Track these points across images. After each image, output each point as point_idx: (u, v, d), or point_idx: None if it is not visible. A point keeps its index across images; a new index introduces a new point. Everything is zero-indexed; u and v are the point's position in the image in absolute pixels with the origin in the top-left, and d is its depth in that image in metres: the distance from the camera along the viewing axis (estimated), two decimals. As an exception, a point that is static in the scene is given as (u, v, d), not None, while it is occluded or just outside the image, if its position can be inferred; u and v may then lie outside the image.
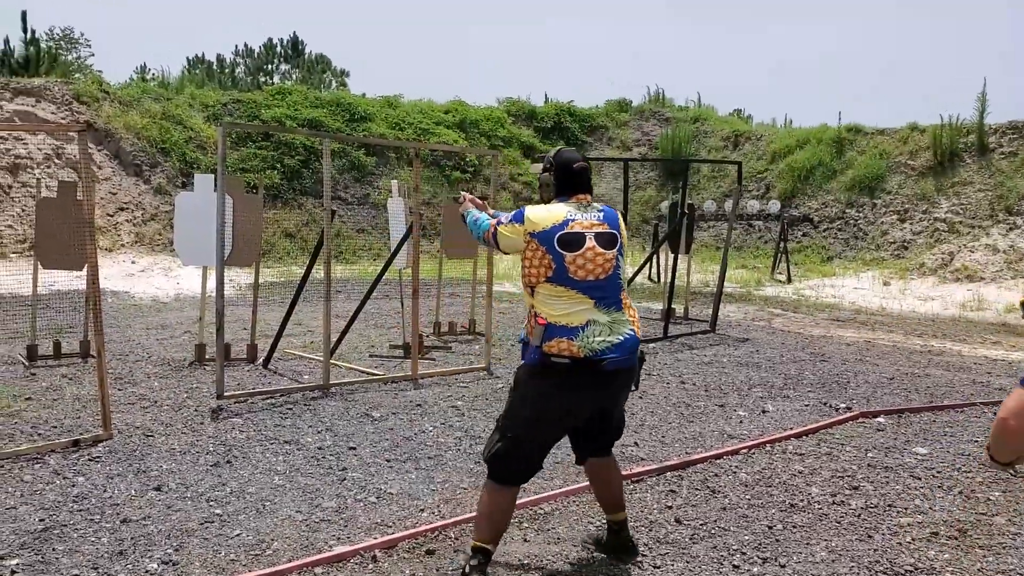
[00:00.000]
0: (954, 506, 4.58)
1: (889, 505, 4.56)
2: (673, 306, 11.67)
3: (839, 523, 4.29)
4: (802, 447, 5.60)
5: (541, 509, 4.35)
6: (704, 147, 22.49)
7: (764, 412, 6.51)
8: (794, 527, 4.22)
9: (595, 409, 3.68)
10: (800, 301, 14.16)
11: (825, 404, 6.81)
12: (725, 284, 16.02)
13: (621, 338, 3.54)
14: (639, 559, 3.79)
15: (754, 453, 5.42)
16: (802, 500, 4.59)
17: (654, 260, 15.35)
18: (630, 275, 11.18)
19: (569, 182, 3.68)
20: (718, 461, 5.23)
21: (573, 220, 3.54)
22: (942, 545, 4.05)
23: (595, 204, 3.70)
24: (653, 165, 22.41)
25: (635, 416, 6.26)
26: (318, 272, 8.22)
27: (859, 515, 4.40)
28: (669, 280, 10.58)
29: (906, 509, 4.51)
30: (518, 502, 4.32)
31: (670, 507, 4.45)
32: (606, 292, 3.55)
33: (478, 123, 22.52)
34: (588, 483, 4.59)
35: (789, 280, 16.24)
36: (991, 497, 4.72)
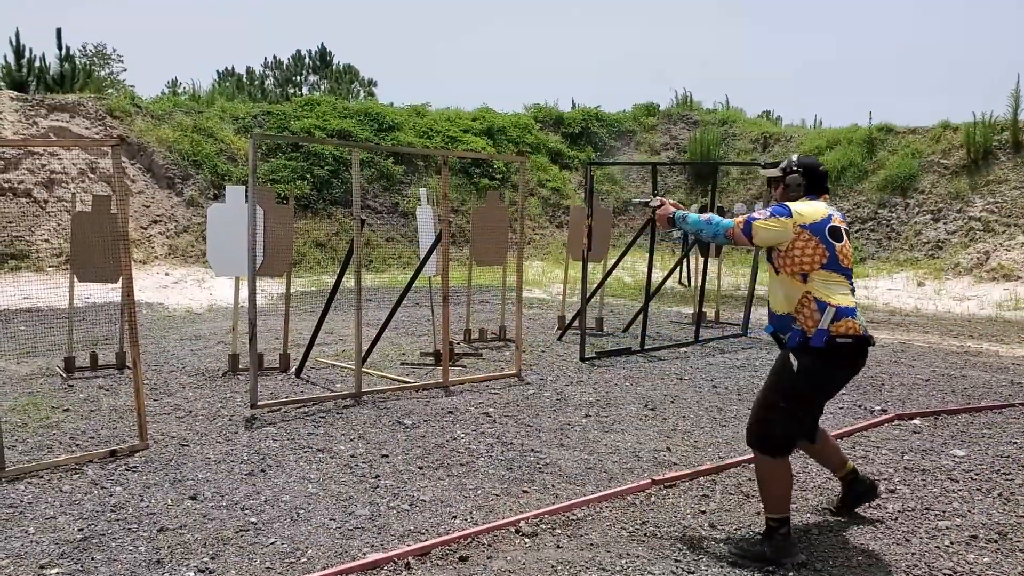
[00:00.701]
0: (993, 509, 4.51)
1: (927, 508, 4.50)
2: (704, 310, 11.61)
3: (876, 526, 4.24)
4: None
5: (574, 515, 4.34)
6: (733, 149, 22.34)
7: (798, 415, 6.45)
8: (830, 531, 4.18)
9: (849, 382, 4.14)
10: (833, 303, 14.00)
11: (860, 406, 6.74)
12: (757, 287, 15.94)
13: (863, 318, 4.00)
14: (675, 564, 3.77)
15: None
16: (835, 503, 4.53)
17: (685, 264, 15.25)
18: (661, 279, 11.14)
19: (818, 182, 4.15)
20: (751, 465, 5.18)
21: (833, 215, 4.00)
22: (981, 548, 3.99)
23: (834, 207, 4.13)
24: (682, 169, 22.31)
25: (667, 421, 6.23)
26: (348, 281, 8.27)
27: (896, 518, 4.35)
28: (700, 284, 10.52)
29: (944, 512, 4.45)
30: (550, 508, 4.36)
31: (703, 512, 4.42)
32: (851, 279, 4.02)
33: (505, 130, 22.54)
34: (621, 489, 4.63)
35: (821, 282, 16.06)
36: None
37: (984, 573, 3.72)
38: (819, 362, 3.86)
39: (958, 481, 4.95)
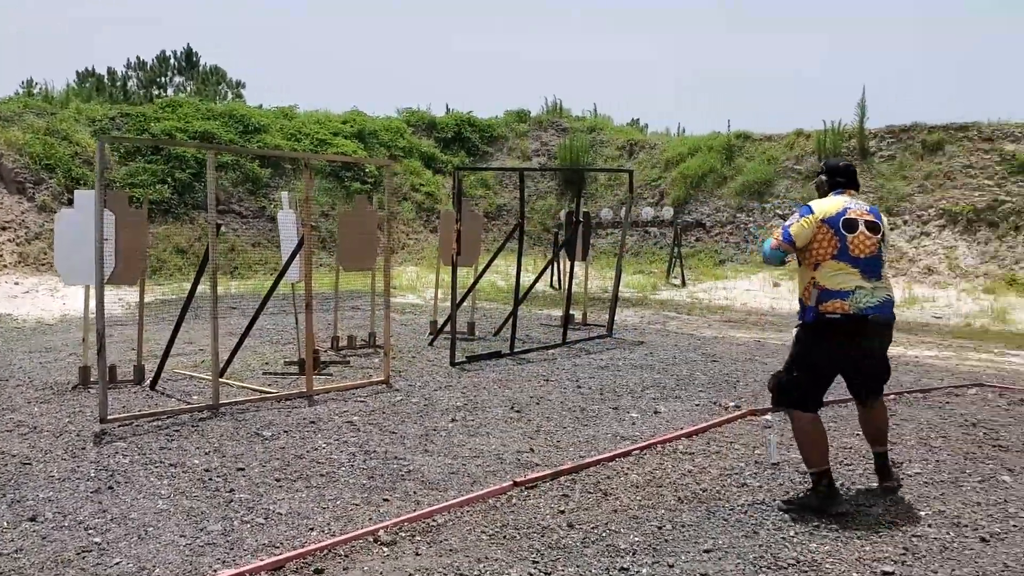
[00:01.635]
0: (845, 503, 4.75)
1: (773, 500, 4.70)
2: (572, 312, 11.82)
3: (726, 520, 4.40)
4: (692, 447, 5.73)
5: (434, 521, 4.32)
6: (601, 156, 22.85)
7: (656, 413, 6.64)
8: (683, 526, 4.31)
9: (862, 354, 4.67)
10: (694, 304, 14.52)
11: (715, 403, 7.00)
12: (623, 289, 16.33)
13: (880, 299, 4.54)
14: (533, 565, 3.81)
15: (646, 454, 5.52)
16: (691, 499, 4.69)
17: (555, 267, 15.52)
18: (529, 284, 11.27)
19: (839, 179, 4.78)
20: (610, 464, 5.31)
21: (850, 208, 4.60)
22: (823, 537, 4.20)
23: (860, 198, 4.77)
24: (553, 174, 22.66)
25: (531, 422, 6.30)
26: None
27: (746, 511, 4.53)
28: (567, 287, 10.69)
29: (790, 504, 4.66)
30: (410, 515, 4.33)
31: (563, 512, 4.48)
32: (871, 266, 4.55)
33: (377, 133, 22.35)
34: (482, 493, 4.65)
35: (684, 284, 16.63)
36: (869, 488, 4.92)
37: (824, 561, 3.92)
38: (810, 335, 4.60)
39: (805, 474, 5.19)
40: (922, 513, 4.53)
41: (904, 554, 3.97)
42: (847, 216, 4.57)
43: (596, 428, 6.17)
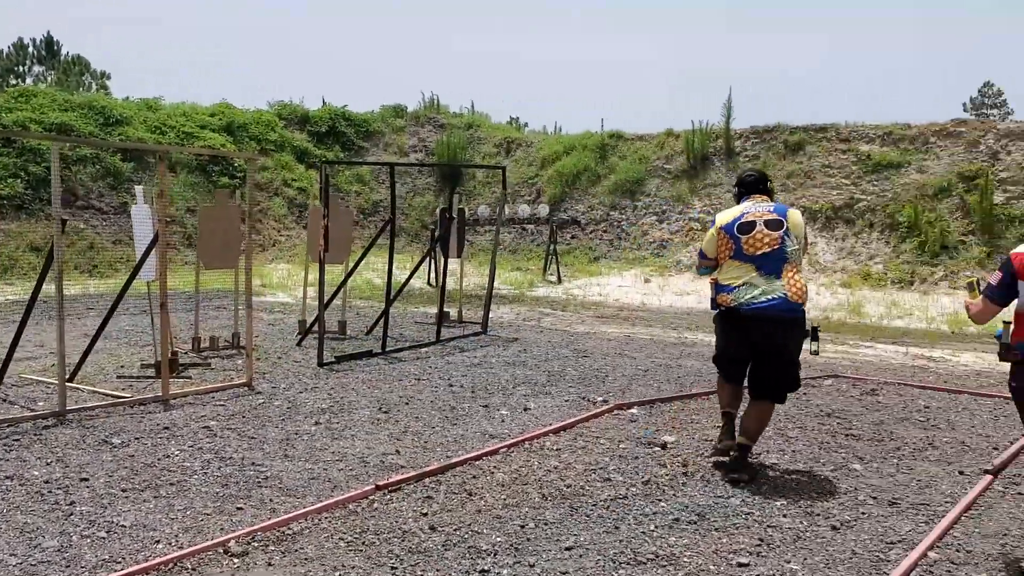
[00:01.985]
0: (695, 491, 4.83)
1: (636, 495, 4.74)
2: (447, 310, 11.73)
3: (588, 516, 4.40)
4: (559, 442, 5.73)
5: (290, 529, 4.15)
6: (479, 153, 22.84)
7: (526, 410, 6.63)
8: (545, 524, 4.29)
9: (751, 345, 5.08)
10: (569, 300, 14.67)
11: (584, 398, 7.04)
12: (500, 286, 16.35)
13: (768, 297, 4.93)
14: (392, 571, 3.70)
15: (513, 452, 5.49)
16: (555, 496, 4.68)
17: (432, 264, 15.38)
18: (403, 279, 11.10)
19: (745, 188, 5.36)
20: (477, 463, 5.25)
21: (747, 212, 5.12)
22: (682, 530, 4.25)
23: (768, 201, 5.24)
24: (431, 171, 22.50)
25: (399, 423, 6.18)
26: (71, 288, 7.52)
27: (608, 507, 4.54)
28: (441, 284, 10.59)
29: (651, 498, 4.71)
30: (264, 524, 4.16)
31: (425, 514, 4.39)
32: (769, 262, 4.97)
33: (247, 127, 21.65)
34: (342, 498, 4.52)
35: (559, 280, 16.79)
36: (727, 480, 5.02)
37: (682, 555, 3.96)
38: (717, 322, 5.33)
39: (666, 466, 5.27)
40: (778, 503, 4.65)
41: (759, 545, 4.06)
42: (743, 220, 5.08)
43: (465, 427, 6.10)
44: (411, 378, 7.81)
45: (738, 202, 5.33)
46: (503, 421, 6.27)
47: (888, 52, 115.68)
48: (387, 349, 9.08)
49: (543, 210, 18.82)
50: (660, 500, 4.66)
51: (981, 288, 4.04)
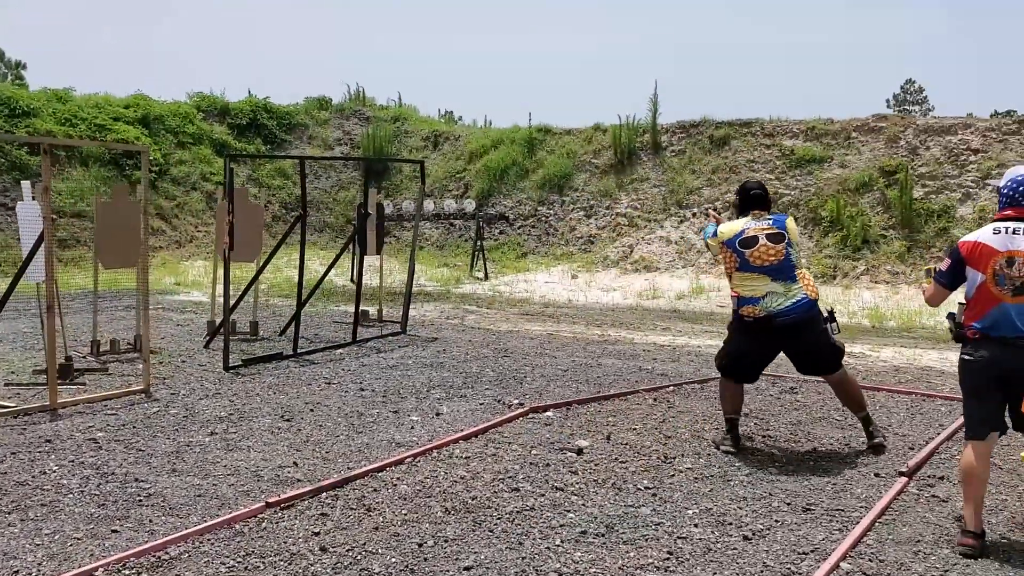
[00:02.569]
0: (606, 500, 4.62)
1: (544, 506, 4.51)
2: (367, 309, 11.39)
3: (492, 531, 4.16)
4: (469, 449, 5.48)
5: (167, 554, 3.82)
6: (405, 147, 22.44)
7: (438, 415, 6.36)
8: (446, 541, 4.03)
9: (787, 347, 5.49)
10: (495, 297, 14.44)
11: (499, 401, 6.80)
12: (425, 283, 16.05)
13: (793, 301, 5.33)
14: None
15: (419, 461, 5.22)
16: (459, 509, 4.43)
17: (355, 261, 14.95)
18: (323, 276, 10.71)
19: (745, 203, 5.65)
20: (380, 474, 4.96)
21: (748, 228, 5.45)
22: (589, 544, 4.04)
23: (768, 215, 5.55)
24: (356, 164, 22.02)
25: (301, 432, 5.86)
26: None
27: (514, 520, 4.31)
28: (357, 281, 10.24)
29: (560, 508, 4.49)
30: (139, 548, 3.83)
31: (317, 534, 4.09)
32: (780, 271, 5.35)
33: (163, 119, 20.85)
34: (229, 517, 4.22)
35: (486, 277, 16.55)
36: (640, 487, 4.84)
37: (587, 571, 3.74)
38: (734, 329, 5.66)
39: (577, 473, 5.06)
40: (690, 511, 4.47)
41: (668, 559, 3.87)
42: (744, 236, 5.41)
43: (372, 435, 5.81)
44: (320, 382, 7.48)
45: (739, 212, 5.67)
46: (412, 428, 5.99)
47: (815, 47, 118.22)
48: (299, 351, 8.72)
49: (469, 205, 18.55)
50: (568, 511, 4.44)
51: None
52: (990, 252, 4.08)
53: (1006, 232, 4.07)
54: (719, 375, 5.76)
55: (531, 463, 5.23)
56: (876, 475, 5.13)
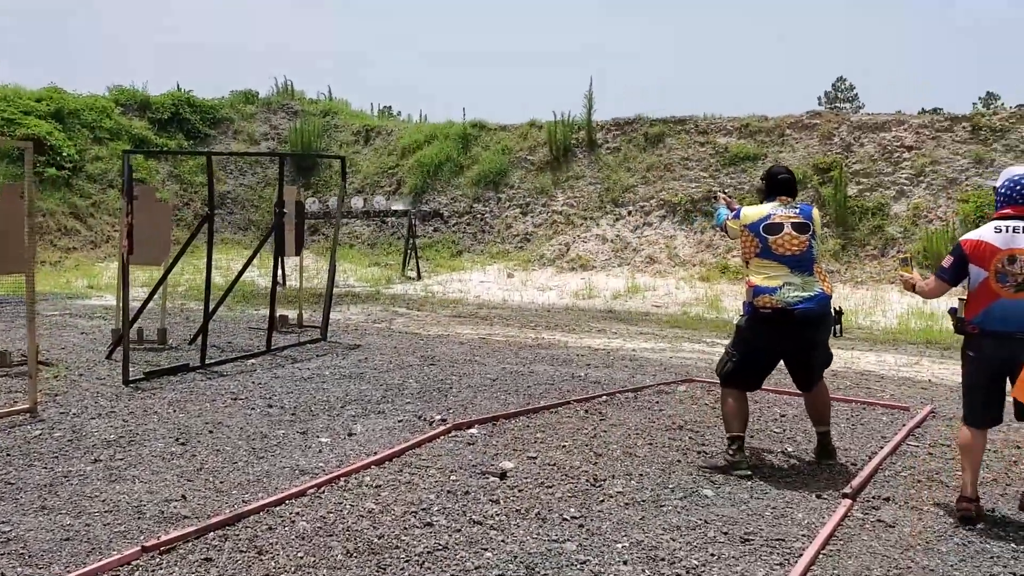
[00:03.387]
0: (528, 534, 4.19)
1: (459, 543, 4.06)
2: (287, 313, 10.82)
3: (399, 577, 3.70)
4: (381, 476, 5.00)
5: (12, 618, 3.27)
6: (335, 142, 21.77)
7: (351, 435, 5.86)
8: (343, 590, 3.56)
9: (796, 345, 5.18)
10: (426, 298, 13.94)
11: (420, 417, 6.33)
12: (355, 284, 15.48)
13: (811, 294, 5.04)
14: None
15: (324, 491, 4.72)
16: (362, 551, 3.95)
17: (281, 262, 14.29)
18: (235, 279, 10.08)
19: (774, 187, 5.37)
20: (278, 509, 4.45)
21: (775, 214, 5.19)
22: (505, 588, 3.60)
23: (794, 203, 5.29)
24: (284, 160, 21.25)
25: (196, 458, 5.31)
26: None
27: (423, 562, 3.85)
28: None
29: (476, 547, 4.04)
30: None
31: (196, 586, 3.59)
32: (801, 263, 5.09)
33: (79, 113, 19.85)
34: (96, 567, 3.69)
35: (419, 277, 16.04)
36: (566, 516, 4.41)
37: (502, 622, 3.31)
38: (746, 324, 5.24)
39: (499, 503, 4.62)
40: (619, 545, 4.07)
41: (592, 606, 3.45)
42: (770, 222, 5.16)
43: (274, 461, 5.29)
44: (227, 397, 6.91)
45: (765, 197, 5.40)
46: (320, 451, 5.48)
47: (746, 47, 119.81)
48: (207, 362, 8.12)
49: (401, 202, 18.01)
50: (486, 549, 4.00)
51: (911, 263, 4.91)
52: (992, 250, 4.28)
53: (1007, 231, 4.28)
54: (677, 385, 5.69)
55: (449, 491, 4.77)
56: (818, 496, 4.79)
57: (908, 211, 14.76)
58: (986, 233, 4.34)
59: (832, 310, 5.34)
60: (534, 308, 13.07)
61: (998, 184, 4.47)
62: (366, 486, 4.83)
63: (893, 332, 11.10)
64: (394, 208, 17.87)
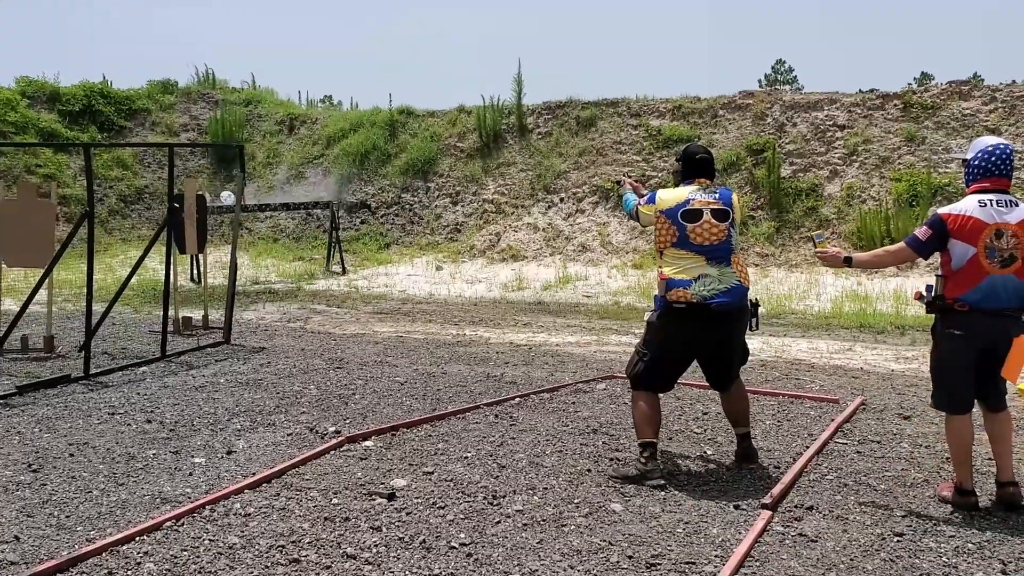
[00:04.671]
0: (408, 568, 3.68)
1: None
2: (191, 315, 10.15)
3: (245, 631, 3.17)
4: (254, 501, 4.44)
5: None
6: (259, 131, 20.90)
7: (230, 453, 5.28)
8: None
9: (713, 342, 4.82)
10: (349, 294, 13.33)
11: (312, 430, 5.77)
12: (275, 280, 14.79)
13: (728, 287, 4.67)
14: None
15: (183, 524, 4.15)
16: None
17: (195, 259, 13.56)
18: (126, 279, 9.38)
19: (692, 169, 4.93)
20: (124, 547, 3.88)
21: (693, 199, 4.77)
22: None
23: (713, 186, 4.87)
24: (205, 152, 20.39)
25: (46, 487, 4.69)
26: None
27: (279, 609, 3.32)
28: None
29: (344, 585, 3.53)
30: None
31: (-3, 656, 3.01)
32: (718, 253, 4.71)
33: (-20, 106, 18.78)
34: None
35: (344, 271, 15.40)
36: (455, 543, 3.92)
37: None
38: (658, 321, 4.81)
39: (381, 530, 4.10)
40: (509, 578, 3.58)
41: (465, 661, 2.96)
42: (688, 208, 4.74)
43: (135, 488, 4.69)
44: (104, 412, 6.26)
45: (681, 179, 4.97)
46: (191, 474, 4.91)
47: (684, 31, 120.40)
48: (91, 372, 7.44)
49: (325, 193, 17.35)
50: (356, 590, 3.49)
51: (818, 240, 4.81)
52: (980, 225, 4.14)
53: (991, 204, 4.15)
54: (596, 382, 5.44)
55: (327, 517, 4.24)
56: (736, 507, 4.37)
57: (842, 191, 14.55)
58: (971, 207, 4.17)
59: (749, 303, 4.89)
60: (460, 302, 12.55)
61: (969, 156, 4.31)
62: (234, 515, 4.27)
63: (827, 316, 10.82)
64: (316, 199, 17.18)
